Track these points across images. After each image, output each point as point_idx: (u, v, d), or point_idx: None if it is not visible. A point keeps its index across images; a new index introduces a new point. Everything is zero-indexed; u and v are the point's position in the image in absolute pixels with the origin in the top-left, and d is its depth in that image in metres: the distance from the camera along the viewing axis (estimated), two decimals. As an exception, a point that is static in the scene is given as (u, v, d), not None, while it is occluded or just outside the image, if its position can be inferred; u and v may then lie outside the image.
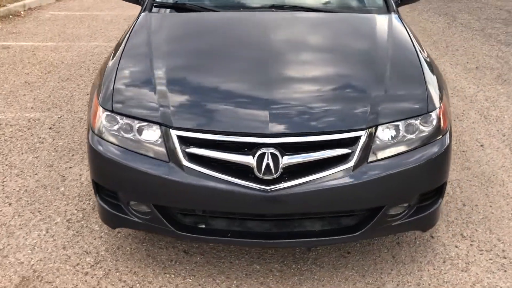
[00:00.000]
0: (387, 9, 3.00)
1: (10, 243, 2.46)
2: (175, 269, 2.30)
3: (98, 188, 2.20)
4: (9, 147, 3.41)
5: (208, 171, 1.95)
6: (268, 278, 2.24)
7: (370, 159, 2.00)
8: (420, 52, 2.52)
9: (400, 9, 3.16)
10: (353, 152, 1.97)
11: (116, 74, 2.28)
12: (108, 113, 2.10)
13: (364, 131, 1.99)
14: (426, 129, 2.11)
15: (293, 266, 2.32)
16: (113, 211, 2.16)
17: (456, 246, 2.47)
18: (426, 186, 2.14)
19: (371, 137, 2.00)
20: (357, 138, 1.98)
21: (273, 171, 1.91)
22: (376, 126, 2.02)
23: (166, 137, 1.99)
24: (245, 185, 1.92)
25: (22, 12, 7.57)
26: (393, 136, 2.05)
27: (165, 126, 2.00)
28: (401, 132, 2.06)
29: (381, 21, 2.82)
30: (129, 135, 2.05)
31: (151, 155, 2.01)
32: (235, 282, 2.22)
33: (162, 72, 2.23)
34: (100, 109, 2.14)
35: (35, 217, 2.65)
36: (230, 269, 2.31)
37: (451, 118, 2.37)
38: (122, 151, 2.05)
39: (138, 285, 2.20)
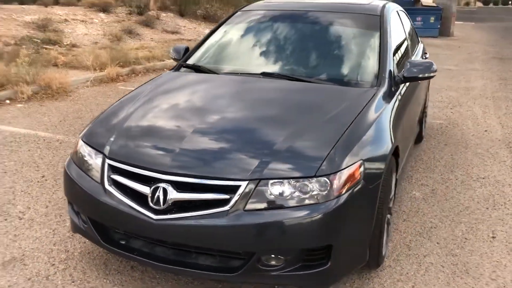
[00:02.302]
0: (376, 83, 3.11)
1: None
2: (113, 278, 2.76)
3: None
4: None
5: (118, 194, 2.41)
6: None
7: (247, 207, 2.22)
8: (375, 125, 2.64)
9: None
10: (231, 198, 2.23)
11: (101, 114, 2.93)
12: (82, 142, 2.74)
13: (245, 182, 2.23)
14: (310, 191, 2.24)
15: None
16: (72, 219, 2.75)
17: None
18: (300, 244, 2.24)
19: (252, 188, 2.23)
20: (237, 187, 2.24)
21: (161, 203, 2.28)
22: (260, 180, 2.25)
23: (103, 165, 2.53)
24: (141, 211, 2.32)
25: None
26: (277, 191, 2.24)
27: (104, 155, 2.54)
28: (284, 189, 2.24)
29: (354, 94, 2.96)
30: (87, 160, 2.64)
31: (93, 177, 2.57)
32: (148, 298, 2.59)
33: (129, 118, 2.80)
34: (79, 139, 2.79)
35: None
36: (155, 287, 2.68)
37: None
38: (77, 171, 2.65)
39: (79, 281, 2.72)
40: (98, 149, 2.60)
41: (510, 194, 4.02)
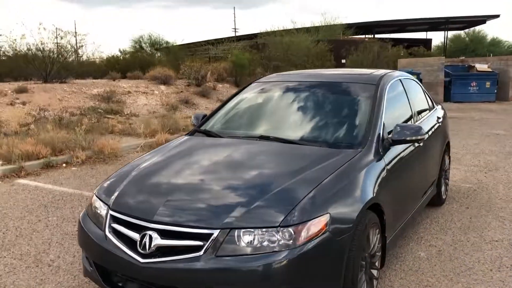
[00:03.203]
0: (360, 145, 3.38)
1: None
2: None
3: (84, 247, 3.23)
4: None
5: (115, 240, 2.78)
6: None
7: (219, 253, 2.52)
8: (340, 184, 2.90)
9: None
10: (204, 245, 2.54)
11: (114, 173, 3.39)
12: (95, 197, 3.19)
13: (217, 231, 2.55)
14: (278, 240, 2.51)
15: None
16: (84, 264, 3.15)
17: None
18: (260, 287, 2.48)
19: (223, 236, 2.54)
20: (210, 235, 2.55)
21: (147, 248, 2.63)
22: (230, 229, 2.55)
23: (106, 215, 2.95)
24: (131, 255, 2.68)
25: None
26: (246, 239, 2.53)
27: (108, 207, 2.97)
28: (252, 238, 2.52)
29: (336, 155, 3.23)
30: (98, 212, 3.07)
31: (99, 226, 2.98)
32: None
33: (133, 175, 3.23)
34: (94, 194, 3.25)
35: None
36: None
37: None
38: (88, 222, 3.07)
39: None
40: (105, 202, 3.02)
41: (520, 257, 3.99)
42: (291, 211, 2.60)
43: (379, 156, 3.39)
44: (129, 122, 11.13)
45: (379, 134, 3.52)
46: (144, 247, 2.64)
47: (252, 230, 2.54)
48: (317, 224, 2.61)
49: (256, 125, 4.00)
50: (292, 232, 2.53)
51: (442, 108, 5.85)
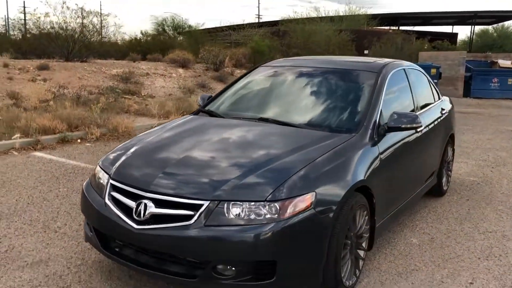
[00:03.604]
0: (355, 131, 3.49)
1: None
2: (112, 282, 3.26)
3: (86, 214, 3.43)
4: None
5: (113, 207, 2.97)
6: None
7: (207, 223, 2.67)
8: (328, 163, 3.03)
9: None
10: (194, 215, 2.70)
11: (119, 145, 3.57)
12: (99, 167, 3.37)
13: (207, 202, 2.70)
14: (264, 214, 2.65)
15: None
16: (85, 230, 3.34)
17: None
18: (248, 257, 2.63)
19: (214, 207, 2.69)
20: (201, 206, 2.71)
21: (142, 215, 2.81)
22: (220, 201, 2.70)
23: (107, 184, 3.12)
24: (126, 221, 2.86)
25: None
26: (234, 212, 2.68)
27: (109, 176, 3.14)
28: (240, 210, 2.67)
29: (330, 138, 3.35)
30: (100, 181, 3.25)
31: (100, 193, 3.16)
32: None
33: (136, 148, 3.41)
34: (97, 164, 3.43)
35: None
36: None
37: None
38: (91, 190, 3.26)
39: (83, 282, 3.26)
40: (107, 171, 3.20)
41: (511, 248, 4.06)
42: (278, 187, 2.73)
43: (373, 142, 3.49)
44: (145, 103, 11.34)
45: (375, 120, 3.62)
46: (139, 215, 2.82)
47: (240, 203, 2.69)
48: (302, 201, 2.74)
49: (257, 108, 4.13)
50: (278, 207, 2.67)
51: (450, 102, 5.88)
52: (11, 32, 26.16)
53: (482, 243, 4.17)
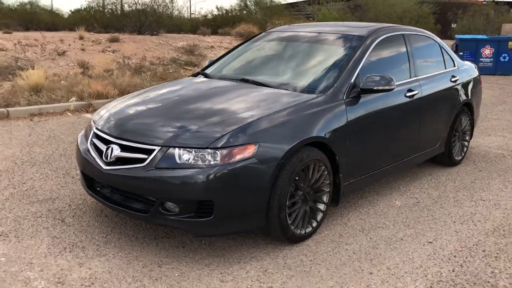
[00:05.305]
0: (323, 91, 3.66)
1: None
2: (100, 218, 3.76)
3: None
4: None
5: (92, 151, 3.42)
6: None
7: (158, 165, 3.04)
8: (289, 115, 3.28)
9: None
10: (147, 158, 3.08)
11: (112, 101, 4.03)
12: (91, 120, 3.86)
13: (158, 147, 3.07)
14: (208, 160, 2.97)
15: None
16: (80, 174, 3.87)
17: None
18: (189, 196, 2.96)
19: (165, 152, 3.05)
20: (152, 150, 3.08)
21: (108, 157, 3.24)
22: (169, 147, 3.06)
23: (92, 131, 3.59)
24: (98, 162, 3.31)
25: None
26: (182, 156, 3.02)
27: (95, 126, 3.61)
28: (186, 155, 3.01)
29: (296, 97, 3.56)
30: (88, 129, 3.73)
31: (86, 140, 3.64)
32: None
33: (122, 103, 3.84)
34: (91, 118, 3.92)
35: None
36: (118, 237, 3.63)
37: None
38: (82, 140, 3.75)
39: (77, 216, 3.79)
40: (94, 121, 3.67)
41: (496, 216, 4.02)
42: (222, 136, 3.03)
43: (340, 102, 3.63)
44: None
45: (350, 84, 3.74)
46: (107, 157, 3.25)
47: (189, 149, 3.02)
48: (244, 150, 3.01)
49: (243, 70, 4.40)
50: (219, 153, 2.97)
51: (474, 69, 5.70)
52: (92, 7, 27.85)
53: (468, 209, 4.16)
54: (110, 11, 20.25)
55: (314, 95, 3.61)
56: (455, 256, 3.31)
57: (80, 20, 19.44)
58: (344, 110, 3.63)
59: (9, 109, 7.25)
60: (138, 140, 3.18)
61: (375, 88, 3.72)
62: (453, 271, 3.11)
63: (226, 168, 2.96)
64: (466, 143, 5.59)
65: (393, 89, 3.80)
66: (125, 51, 13.28)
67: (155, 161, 3.06)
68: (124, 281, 2.90)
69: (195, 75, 4.64)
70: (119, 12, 18.64)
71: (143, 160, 3.10)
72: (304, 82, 3.89)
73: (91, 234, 3.50)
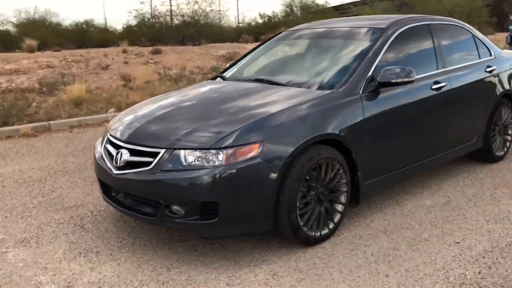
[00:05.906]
0: (337, 87, 3.52)
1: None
2: (119, 224, 3.79)
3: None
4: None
5: (105, 156, 3.45)
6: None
7: (163, 168, 3.01)
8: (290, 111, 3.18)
9: None
10: (153, 161, 3.05)
11: (129, 108, 4.06)
12: (108, 127, 3.90)
13: (163, 150, 3.04)
14: (212, 160, 2.91)
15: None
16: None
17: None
18: (193, 197, 2.90)
19: (170, 154, 3.01)
20: (158, 153, 3.05)
21: (118, 162, 3.25)
22: (174, 149, 3.02)
23: (106, 137, 3.63)
24: (109, 167, 3.33)
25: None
26: (187, 158, 2.97)
27: (108, 132, 3.64)
28: (192, 157, 2.96)
29: (307, 94, 3.45)
30: (103, 137, 3.77)
31: (100, 146, 3.68)
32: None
33: (133, 108, 3.85)
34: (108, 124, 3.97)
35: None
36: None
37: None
38: (98, 146, 3.79)
39: (97, 222, 3.84)
40: (109, 128, 3.71)
41: (535, 214, 3.71)
42: (225, 137, 2.96)
43: (355, 97, 3.47)
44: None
45: (367, 77, 3.58)
46: (116, 161, 3.26)
47: (193, 151, 2.97)
48: (248, 150, 2.93)
49: (259, 71, 4.31)
50: (222, 154, 2.90)
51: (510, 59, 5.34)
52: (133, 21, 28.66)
53: (505, 207, 3.86)
54: (159, 24, 20.83)
55: (325, 91, 3.47)
56: (483, 257, 3.06)
57: (127, 35, 20.10)
58: (360, 105, 3.47)
59: (50, 122, 7.53)
60: (144, 143, 3.18)
61: (393, 81, 3.53)
62: (479, 273, 2.87)
63: (230, 168, 2.88)
64: (509, 138, 5.22)
65: (413, 81, 3.59)
66: (166, 62, 13.56)
67: (160, 164, 3.03)
68: (131, 285, 2.88)
69: (214, 78, 4.61)
70: (169, 24, 19.11)
71: (150, 163, 3.08)
72: (317, 78, 3.76)
73: (107, 239, 3.52)
